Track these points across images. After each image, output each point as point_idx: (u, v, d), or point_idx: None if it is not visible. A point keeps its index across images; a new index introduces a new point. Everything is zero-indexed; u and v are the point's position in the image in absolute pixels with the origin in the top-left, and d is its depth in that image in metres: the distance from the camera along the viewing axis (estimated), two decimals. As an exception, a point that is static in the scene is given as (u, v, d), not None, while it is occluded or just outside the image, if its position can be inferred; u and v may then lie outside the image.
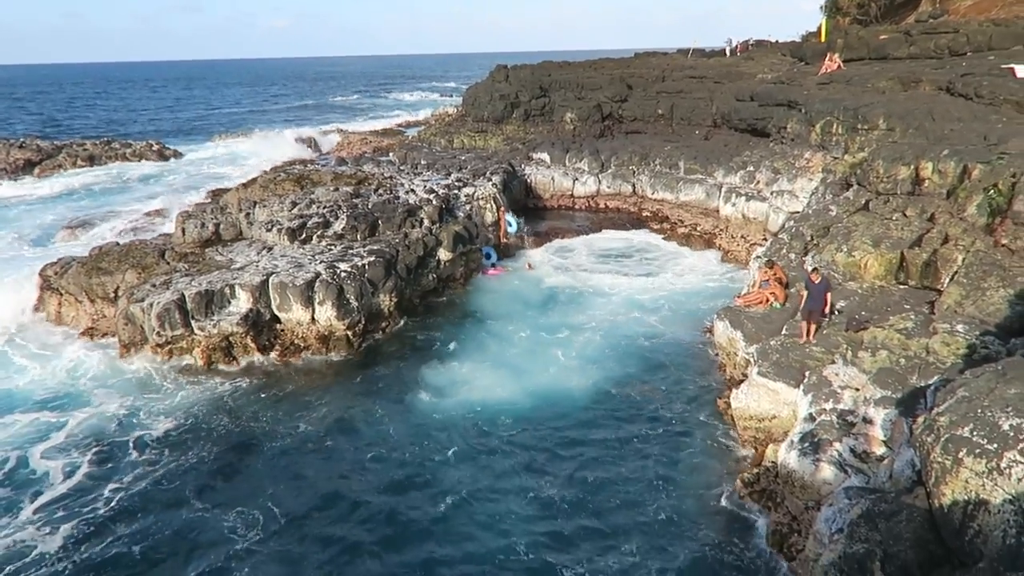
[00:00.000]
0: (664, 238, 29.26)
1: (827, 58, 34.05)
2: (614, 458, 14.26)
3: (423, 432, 15.17)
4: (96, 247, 24.20)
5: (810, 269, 16.97)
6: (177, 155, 53.22)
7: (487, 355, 18.72)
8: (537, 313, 21.53)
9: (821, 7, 60.74)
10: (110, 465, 14.24)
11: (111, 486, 13.49)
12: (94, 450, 14.70)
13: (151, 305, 18.25)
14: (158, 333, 18.15)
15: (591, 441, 14.89)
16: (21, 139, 50.49)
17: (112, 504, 12.94)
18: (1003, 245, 15.21)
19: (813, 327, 14.51)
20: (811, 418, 12.29)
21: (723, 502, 12.74)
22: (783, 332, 15.36)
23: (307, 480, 13.62)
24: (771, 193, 26.67)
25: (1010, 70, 24.87)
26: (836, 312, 15.34)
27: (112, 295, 20.28)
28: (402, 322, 20.95)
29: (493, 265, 25.39)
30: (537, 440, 14.88)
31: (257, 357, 18.55)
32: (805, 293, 14.83)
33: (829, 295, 14.58)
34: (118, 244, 23.68)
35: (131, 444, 14.92)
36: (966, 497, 7.09)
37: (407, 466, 14.00)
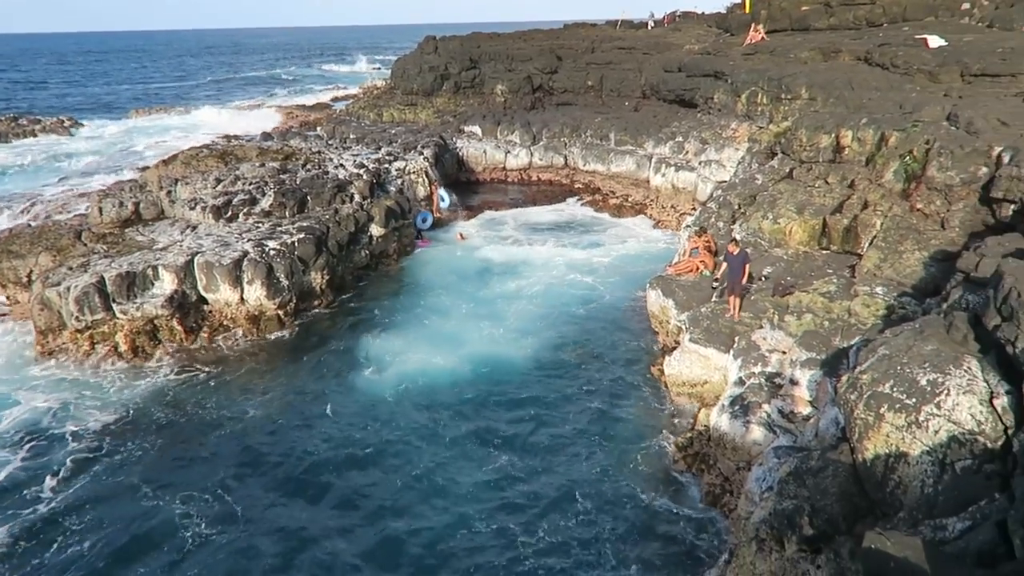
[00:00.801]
0: (596, 209, 29.49)
1: (751, 29, 34.64)
2: (555, 425, 14.46)
3: (367, 408, 15.02)
4: (6, 229, 22.98)
5: (728, 242, 17.32)
6: (89, 131, 50.73)
7: (424, 328, 18.61)
8: (472, 285, 21.47)
9: (745, -22, 61.78)
10: (46, 459, 13.53)
11: (50, 484, 12.79)
12: (28, 447, 13.93)
13: (68, 289, 17.41)
14: (77, 318, 17.36)
15: (531, 408, 15.05)
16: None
17: (54, 503, 12.29)
18: (918, 210, 15.83)
19: (738, 301, 14.68)
20: (741, 382, 12.65)
21: (660, 464, 13.04)
22: (713, 299, 15.71)
23: (256, 464, 13.34)
24: (699, 163, 27.13)
25: (923, 41, 25.78)
26: (762, 279, 15.75)
27: (25, 280, 19.28)
28: (336, 299, 20.53)
29: (422, 236, 25.26)
30: (478, 410, 14.95)
31: (185, 345, 17.95)
32: (724, 266, 15.08)
33: (748, 266, 14.79)
34: (30, 226, 22.52)
35: (68, 438, 14.20)
36: (887, 451, 7.39)
37: (355, 444, 13.86)
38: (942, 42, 25.24)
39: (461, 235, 25.69)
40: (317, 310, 19.95)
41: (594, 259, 23.29)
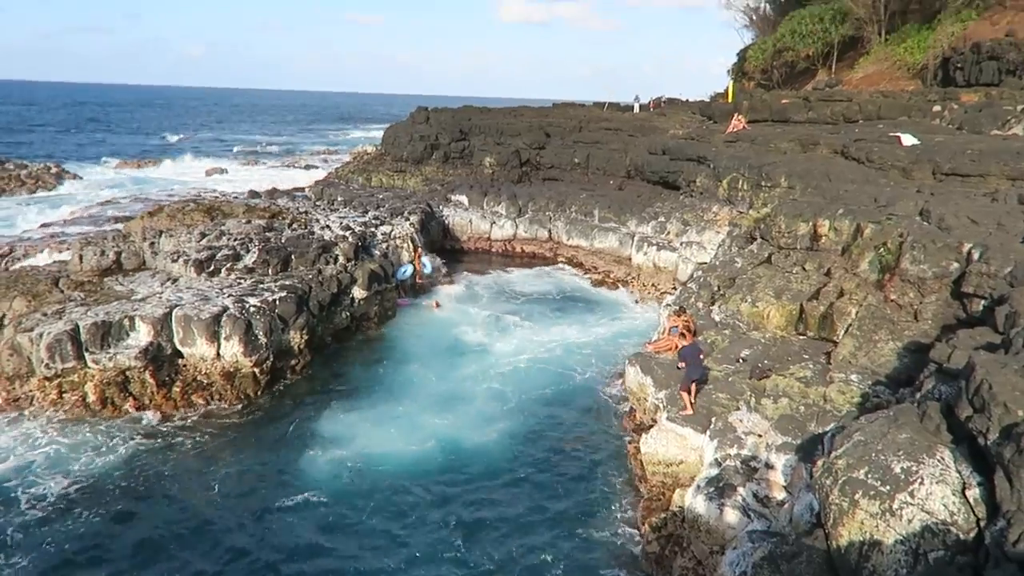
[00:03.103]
0: (579, 277, 29.77)
1: (734, 118, 35.92)
2: (523, 508, 14.17)
3: (331, 487, 14.48)
4: (-18, 272, 22.77)
5: (676, 323, 17.52)
6: (77, 179, 50.82)
7: (394, 405, 18.20)
8: (444, 360, 21.09)
9: (728, 71, 64.40)
10: None
11: None
12: None
13: (41, 335, 17.15)
14: (47, 365, 17.03)
15: (501, 490, 14.72)
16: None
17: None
18: (892, 300, 16.19)
19: (694, 393, 14.59)
20: (716, 463, 12.62)
21: (632, 546, 12.87)
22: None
23: (214, 543, 12.75)
24: (681, 244, 27.65)
25: (897, 139, 26.84)
26: (740, 361, 15.90)
27: (-3, 324, 18.97)
28: (311, 363, 20.23)
29: (402, 295, 25.33)
30: (443, 495, 14.48)
31: (149, 417, 17.53)
32: (683, 365, 14.83)
33: (702, 356, 14.87)
34: (7, 270, 22.32)
35: (20, 503, 13.58)
36: (861, 538, 7.39)
37: (319, 526, 13.31)
38: (915, 141, 26.30)
39: (436, 304, 25.69)
40: (292, 376, 19.59)
41: (570, 336, 23.17)
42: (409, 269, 26.25)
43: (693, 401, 14.46)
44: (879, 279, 16.93)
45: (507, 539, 13.29)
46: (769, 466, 12.09)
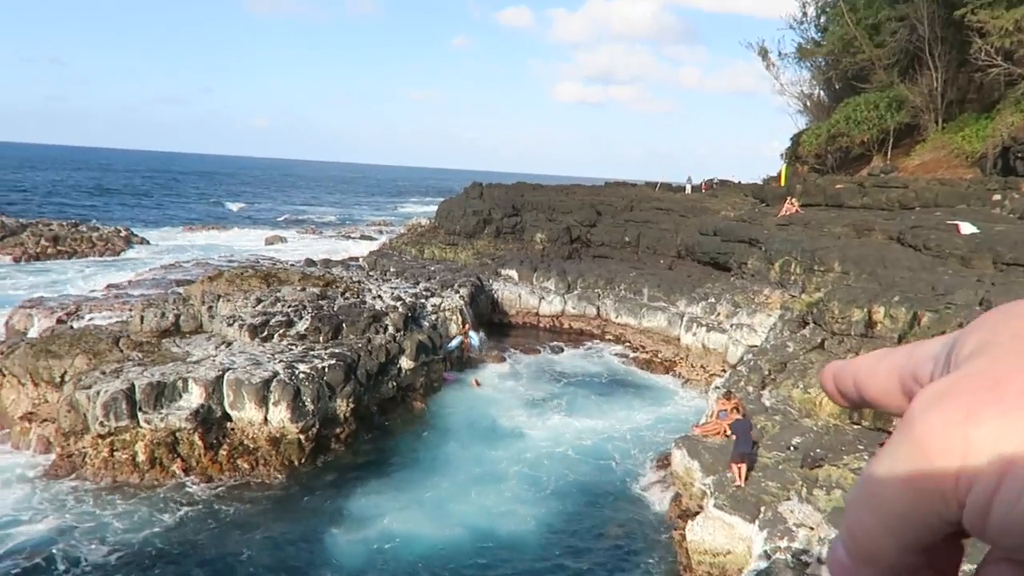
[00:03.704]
0: (623, 361, 29.44)
1: (787, 201, 35.80)
2: None
3: (363, 570, 14.26)
4: (48, 329, 23.68)
5: (725, 406, 17.11)
6: (146, 243, 53.02)
7: (432, 484, 17.99)
8: (485, 439, 20.90)
9: (781, 155, 64.52)
10: None
11: None
12: None
13: (98, 393, 17.66)
14: (101, 423, 17.47)
15: (549, 569, 14.44)
16: (-14, 215, 50.03)
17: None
18: (952, 392, 15.64)
19: (745, 468, 14.44)
20: (766, 555, 12.13)
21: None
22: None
23: None
24: (731, 325, 27.30)
25: (955, 227, 26.37)
26: (791, 448, 15.44)
27: (58, 380, 19.63)
28: (355, 433, 20.25)
29: (449, 360, 25.41)
30: (492, 569, 14.29)
31: (194, 481, 17.82)
32: (734, 438, 14.87)
33: (752, 431, 14.84)
34: (71, 328, 23.19)
35: (58, 567, 13.70)
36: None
37: None
38: (974, 229, 25.79)
39: (477, 382, 25.60)
40: (336, 445, 19.61)
41: (612, 421, 22.57)
42: (458, 340, 26.42)
43: (745, 476, 14.19)
44: (938, 370, 16.41)
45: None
46: (822, 561, 11.56)
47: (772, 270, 27.73)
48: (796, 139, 60.39)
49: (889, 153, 49.68)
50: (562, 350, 30.34)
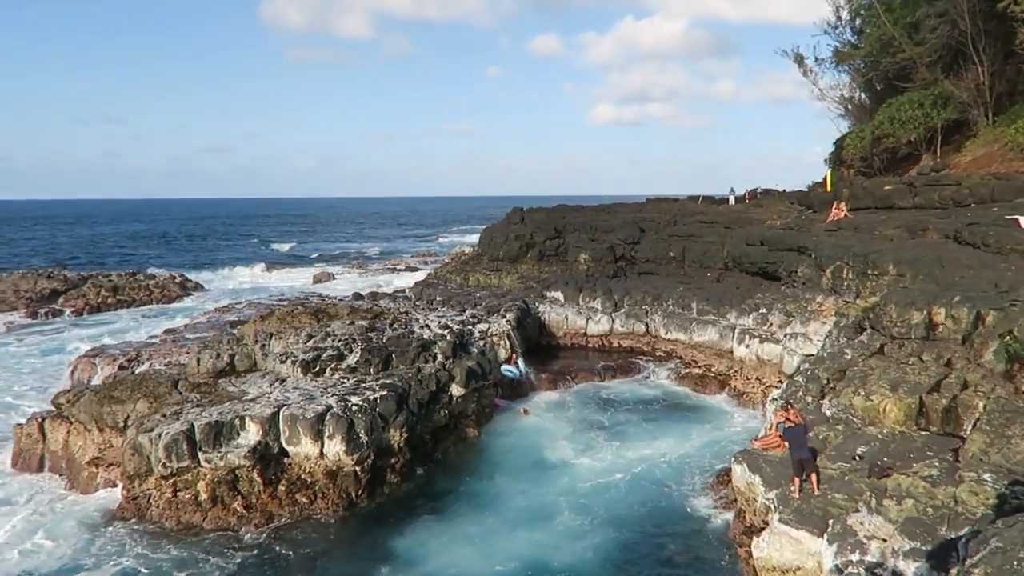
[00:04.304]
0: (675, 383, 28.76)
1: (834, 206, 35.07)
2: None
3: None
4: (111, 375, 24.38)
5: (780, 411, 16.58)
6: (199, 288, 54.45)
7: (484, 518, 17.80)
8: (535, 471, 20.60)
9: (825, 160, 63.41)
10: None
11: None
12: None
13: (159, 435, 18.06)
14: (164, 464, 17.84)
15: None
16: (49, 270, 52.01)
17: None
18: (1023, 392, 14.99)
19: (813, 476, 14.00)
20: (838, 570, 11.70)
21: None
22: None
23: None
24: (784, 335, 26.71)
25: (1014, 221, 25.47)
26: (856, 459, 14.93)
27: (122, 424, 20.14)
28: (409, 462, 20.27)
29: (500, 387, 25.51)
30: None
31: (262, 499, 18.06)
32: (786, 444, 14.47)
33: (807, 436, 14.50)
34: (132, 373, 23.83)
35: None
36: (1010, 661, 6.61)
37: None
38: (1035, 222, 24.88)
39: (525, 411, 25.41)
40: (391, 475, 19.64)
41: (664, 447, 22.04)
42: (514, 370, 26.32)
43: (802, 488, 13.82)
44: (1007, 369, 15.76)
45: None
46: (897, 574, 11.10)
47: (824, 277, 27.10)
48: (839, 143, 59.30)
49: (938, 151, 48.40)
50: (614, 374, 29.70)
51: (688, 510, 18.13)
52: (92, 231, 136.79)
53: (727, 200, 49.24)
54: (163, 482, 18.06)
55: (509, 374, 27.53)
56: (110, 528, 17.58)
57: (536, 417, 24.90)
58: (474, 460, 21.54)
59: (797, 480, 14.07)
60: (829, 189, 42.63)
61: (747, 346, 28.03)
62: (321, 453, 18.61)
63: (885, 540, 11.95)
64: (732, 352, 29.01)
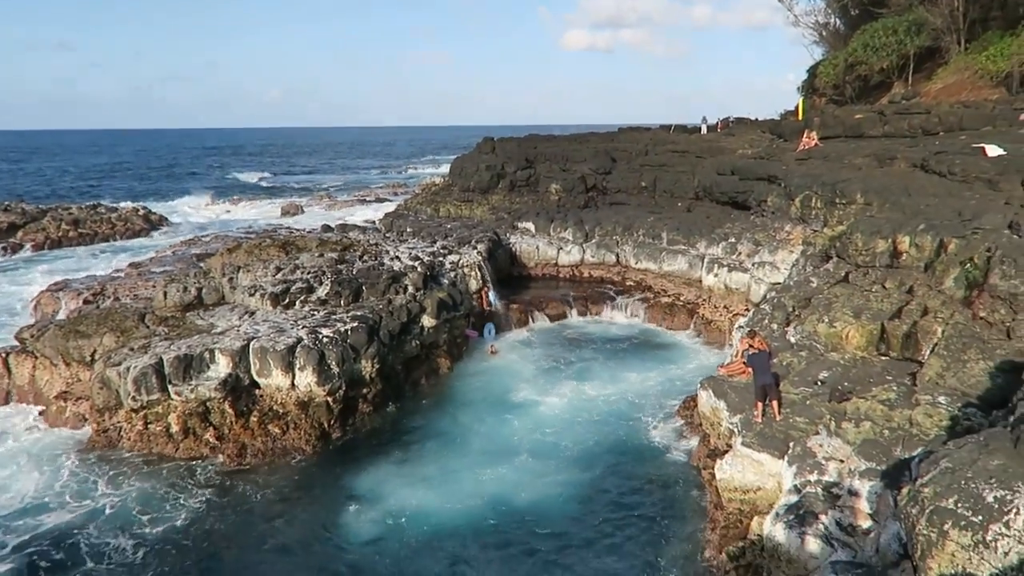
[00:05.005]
0: (642, 321, 28.97)
1: (805, 135, 35.04)
2: (593, 538, 14.07)
3: (387, 546, 14.21)
4: (76, 310, 24.01)
5: (745, 338, 16.92)
6: (163, 221, 53.35)
7: (453, 456, 17.95)
8: (502, 408, 20.72)
9: (798, 88, 63.04)
10: None
11: None
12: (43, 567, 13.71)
13: (128, 369, 17.95)
14: (134, 398, 17.80)
15: (569, 526, 14.66)
16: (6, 203, 50.50)
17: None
18: (981, 318, 15.37)
19: (775, 402, 14.37)
20: (796, 490, 12.12)
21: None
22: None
23: None
24: (753, 264, 27.00)
25: (981, 149, 25.67)
26: (818, 383, 15.32)
27: (89, 359, 19.96)
28: (382, 398, 20.45)
29: (470, 317, 25.79)
30: (508, 537, 14.41)
31: (235, 429, 18.15)
32: (751, 370, 14.79)
33: (771, 362, 14.86)
34: (97, 307, 23.48)
35: (85, 560, 13.95)
36: (953, 571, 6.94)
37: None
38: (1001, 151, 25.09)
39: (493, 349, 25.51)
40: (364, 406, 19.80)
41: (631, 382, 22.34)
42: (493, 328, 26.29)
43: (764, 413, 14.22)
44: (966, 296, 16.13)
45: (577, 569, 13.13)
46: (853, 493, 11.53)
47: (792, 206, 27.26)
48: (813, 71, 58.92)
49: (910, 79, 48.35)
50: (584, 304, 29.93)
51: (651, 442, 18.52)
52: (48, 163, 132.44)
53: (699, 129, 48.90)
54: (133, 415, 18.05)
55: (492, 300, 27.70)
56: (79, 461, 17.60)
57: (504, 356, 24.98)
58: (442, 398, 21.67)
59: (760, 405, 14.42)
60: (801, 118, 42.51)
61: (715, 275, 28.32)
62: (292, 385, 18.66)
63: (843, 461, 12.37)
64: (701, 281, 29.32)
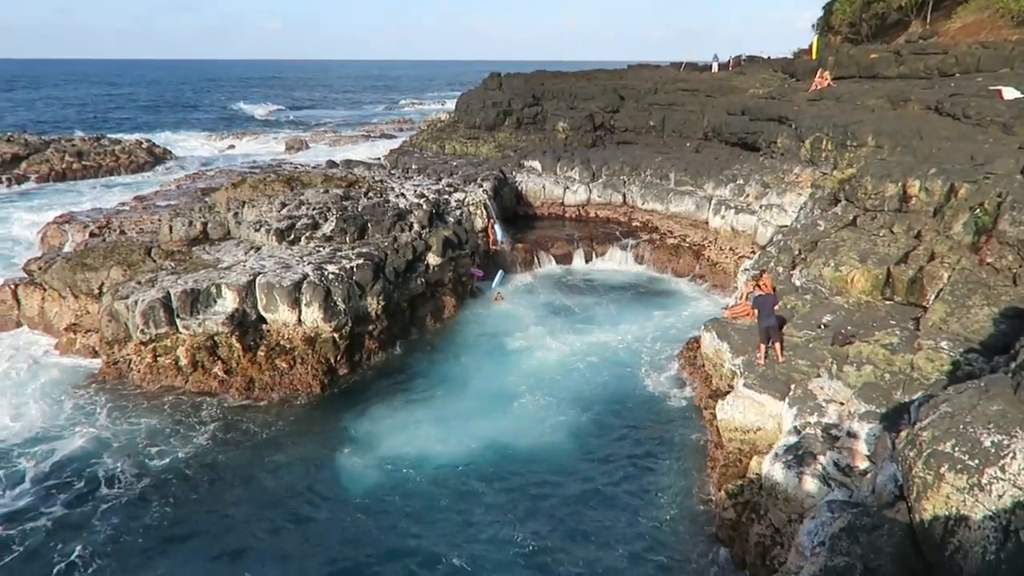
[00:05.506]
0: (646, 268, 28.80)
1: (818, 75, 34.31)
2: (599, 485, 14.35)
3: (386, 485, 14.47)
4: (82, 243, 24.07)
5: (750, 281, 16.98)
6: (168, 154, 52.91)
7: (456, 400, 18.11)
8: (506, 354, 20.82)
9: (813, 25, 61.44)
10: (71, 511, 13.57)
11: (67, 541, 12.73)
12: (61, 495, 14.02)
13: (136, 302, 18.09)
14: (142, 331, 17.99)
15: (571, 465, 14.99)
16: (8, 133, 50.01)
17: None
18: (988, 264, 15.34)
19: (777, 344, 14.50)
20: (796, 431, 12.33)
21: (708, 513, 12.85)
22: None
23: (270, 542, 12.86)
24: (760, 207, 26.82)
25: (997, 92, 25.15)
26: (821, 327, 15.41)
27: (96, 291, 20.10)
28: (388, 335, 20.61)
29: (476, 255, 25.83)
30: (509, 474, 14.73)
31: (242, 363, 18.38)
32: (755, 312, 14.85)
33: (777, 306, 14.95)
34: (104, 240, 23.53)
35: (101, 484, 14.35)
36: (947, 513, 7.11)
37: (373, 526, 13.27)
38: (1018, 94, 24.61)
39: (499, 295, 25.37)
40: (369, 342, 19.95)
41: (632, 329, 22.35)
42: (502, 285, 26.20)
43: (767, 355, 14.37)
44: (974, 241, 16.06)
45: (577, 509, 13.54)
46: (852, 435, 11.73)
47: (802, 148, 26.91)
48: (829, 7, 57.27)
49: (928, 17, 46.98)
50: (591, 250, 29.59)
51: (651, 388, 18.65)
52: (48, 94, 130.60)
53: (710, 67, 47.89)
54: (143, 348, 18.27)
55: (498, 235, 27.62)
56: (90, 392, 17.93)
57: (508, 302, 24.95)
58: (447, 342, 21.77)
59: (763, 347, 14.55)
60: (815, 57, 41.52)
61: (722, 217, 28.17)
62: (299, 320, 18.81)
63: (843, 404, 12.55)
64: (707, 223, 29.19)
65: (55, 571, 12.00)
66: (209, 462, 15.22)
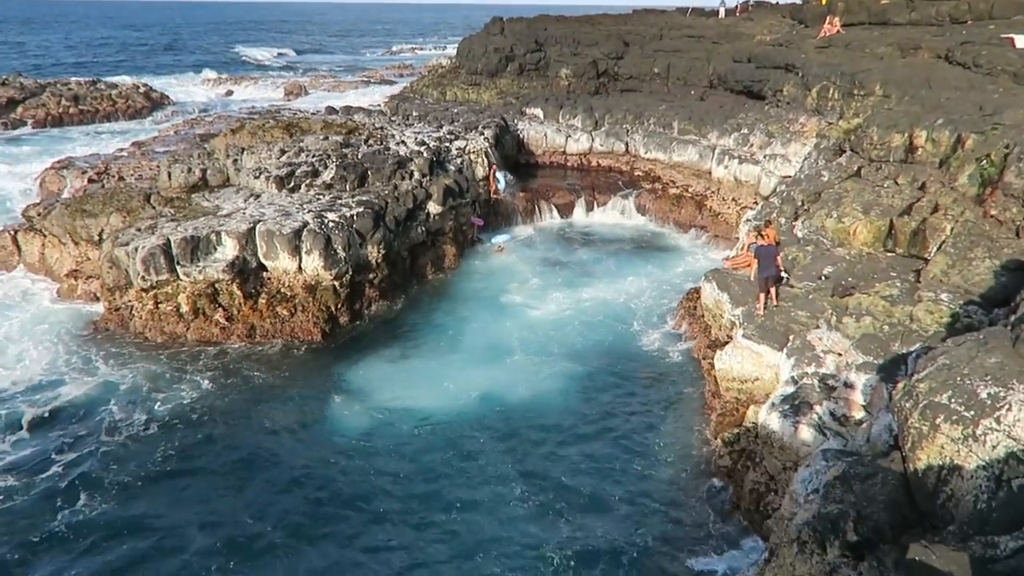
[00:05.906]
0: (658, 223, 28.49)
1: (827, 21, 33.57)
2: (595, 434, 14.56)
3: (384, 436, 14.60)
4: (80, 189, 23.94)
5: (753, 231, 16.95)
6: (165, 99, 52.19)
7: (455, 352, 18.20)
8: (505, 307, 20.81)
9: (824, -31, 59.79)
10: (70, 456, 13.79)
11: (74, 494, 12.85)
12: (61, 442, 14.22)
13: (136, 249, 18.06)
14: (143, 277, 18.01)
15: (570, 424, 15.04)
16: (3, 76, 49.24)
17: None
18: (992, 216, 15.23)
19: (773, 290, 14.61)
20: (793, 381, 12.43)
21: (704, 460, 13.05)
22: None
23: (266, 494, 12.98)
24: (764, 156, 26.54)
25: (1009, 40, 24.62)
26: (822, 278, 15.40)
27: (96, 238, 20.06)
28: (389, 284, 20.63)
29: (476, 204, 25.58)
30: (505, 427, 14.87)
31: (243, 311, 18.44)
32: (755, 261, 14.85)
33: (779, 257, 14.99)
34: (103, 187, 23.38)
35: (101, 432, 14.53)
36: (940, 462, 7.19)
37: (374, 479, 13.37)
38: (1030, 42, 24.09)
39: (500, 247, 25.24)
40: (370, 291, 19.99)
41: (634, 283, 22.39)
42: (504, 237, 26.01)
43: (766, 305, 14.46)
44: (979, 193, 15.92)
45: (572, 453, 13.79)
46: (848, 385, 11.84)
47: (809, 96, 26.49)
48: (840, -49, 55.69)
49: (942, -39, 45.72)
50: (592, 200, 29.37)
51: (649, 341, 18.71)
52: (44, 35, 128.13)
53: (717, 13, 46.88)
54: (144, 294, 18.31)
55: (500, 184, 27.42)
56: (91, 338, 18.08)
57: (509, 255, 24.85)
58: (446, 294, 21.77)
59: (762, 297, 14.59)
60: (824, 3, 40.59)
61: (725, 167, 27.91)
62: (299, 268, 18.81)
63: (841, 354, 12.63)
64: (711, 173, 28.93)
65: (59, 517, 12.25)
66: (210, 406, 15.46)
